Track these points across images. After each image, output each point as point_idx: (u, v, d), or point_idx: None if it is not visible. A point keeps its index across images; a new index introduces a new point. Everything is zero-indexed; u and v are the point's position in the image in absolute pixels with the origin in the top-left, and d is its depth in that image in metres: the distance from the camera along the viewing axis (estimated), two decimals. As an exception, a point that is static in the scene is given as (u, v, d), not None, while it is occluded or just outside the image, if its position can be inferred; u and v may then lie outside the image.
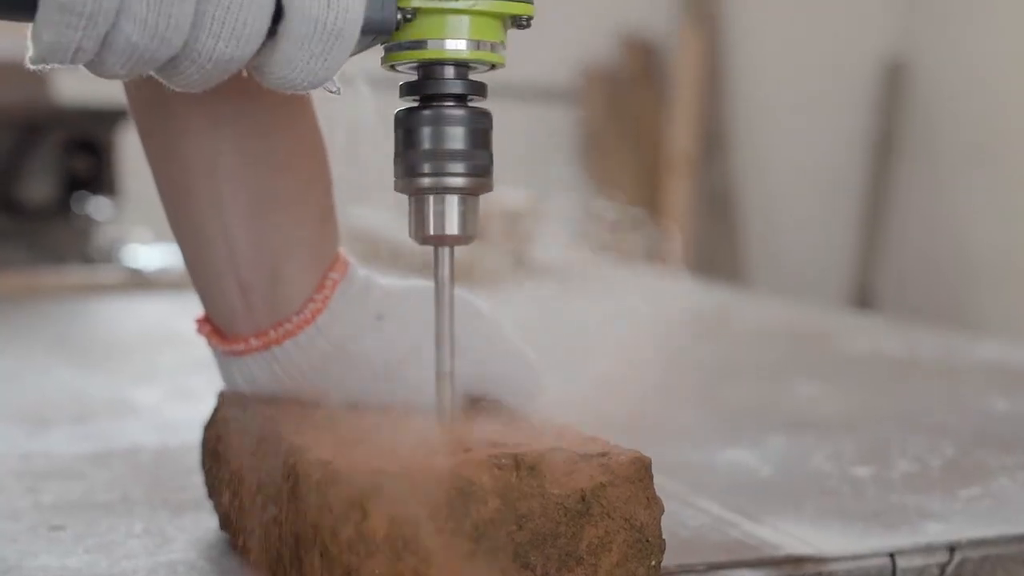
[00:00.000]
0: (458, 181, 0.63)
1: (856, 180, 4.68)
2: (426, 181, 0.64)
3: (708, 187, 4.39)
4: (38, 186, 2.05)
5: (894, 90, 4.60)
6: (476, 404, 0.75)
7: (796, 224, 4.61)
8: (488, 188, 0.65)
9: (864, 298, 4.57)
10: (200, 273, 0.77)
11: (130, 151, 2.03)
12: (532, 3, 0.64)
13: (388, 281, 0.77)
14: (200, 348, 0.80)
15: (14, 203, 2.03)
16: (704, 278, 3.58)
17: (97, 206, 2.11)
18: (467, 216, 0.64)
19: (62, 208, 2.08)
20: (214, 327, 0.77)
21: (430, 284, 0.68)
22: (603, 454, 0.62)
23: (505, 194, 2.26)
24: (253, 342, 0.75)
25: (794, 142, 4.60)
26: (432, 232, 0.64)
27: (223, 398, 0.79)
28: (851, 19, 4.64)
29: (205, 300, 0.78)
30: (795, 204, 4.61)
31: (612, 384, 1.10)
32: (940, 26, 4.51)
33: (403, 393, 0.75)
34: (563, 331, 1.66)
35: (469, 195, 0.64)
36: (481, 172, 0.64)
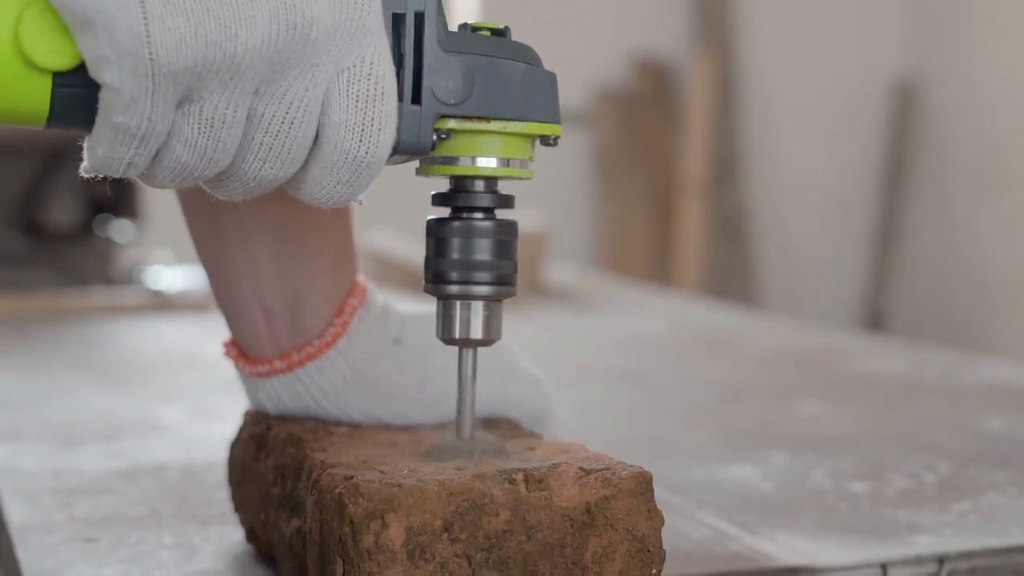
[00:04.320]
0: (483, 290, 0.68)
1: (868, 203, 4.70)
2: (454, 288, 0.68)
3: (721, 210, 4.42)
4: (61, 209, 2.07)
5: (905, 114, 4.63)
6: (491, 424, 0.79)
7: (808, 246, 4.64)
8: (511, 294, 0.69)
9: (876, 320, 4.60)
10: (226, 299, 0.81)
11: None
12: (560, 123, 0.68)
13: (405, 307, 0.81)
14: (221, 369, 0.84)
15: (38, 226, 2.06)
16: (717, 300, 3.62)
17: (119, 229, 2.13)
18: (491, 320, 0.69)
19: (85, 231, 2.10)
20: (240, 350, 0.81)
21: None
22: (607, 469, 0.66)
23: (519, 217, 2.29)
24: (277, 364, 0.79)
25: (806, 165, 4.63)
26: (458, 335, 0.69)
27: (249, 417, 0.83)
28: (862, 43, 4.68)
29: (231, 324, 0.82)
30: (807, 227, 4.64)
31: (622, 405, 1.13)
32: (950, 51, 4.54)
33: (418, 414, 0.79)
34: (575, 354, 1.70)
35: (493, 301, 0.69)
36: (505, 281, 0.68)
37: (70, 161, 2.07)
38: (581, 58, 4.35)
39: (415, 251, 2.22)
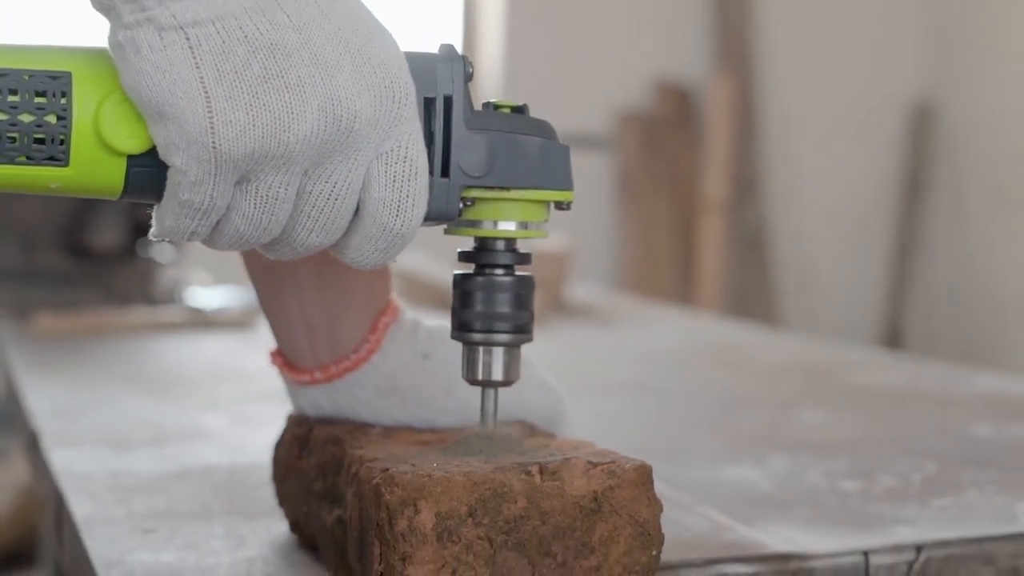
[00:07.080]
0: (503, 337, 0.77)
1: (886, 221, 4.76)
2: (477, 336, 0.77)
3: (741, 228, 4.48)
4: (106, 232, 2.10)
5: (922, 132, 4.69)
6: (510, 427, 0.88)
7: (827, 264, 4.69)
8: (528, 340, 0.78)
9: (895, 336, 4.65)
10: (274, 315, 0.90)
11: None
12: (572, 190, 0.77)
13: (433, 323, 0.90)
14: (259, 381, 0.91)
15: (84, 248, 2.10)
16: (737, 317, 3.68)
17: (161, 251, 2.19)
18: (510, 364, 0.78)
19: (129, 253, 2.14)
20: (284, 359, 0.90)
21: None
22: (612, 462, 0.75)
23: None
24: (317, 375, 0.88)
25: (825, 184, 4.68)
26: (480, 377, 0.78)
27: (292, 419, 0.92)
28: (879, 63, 4.74)
29: (277, 336, 0.90)
30: (826, 245, 4.69)
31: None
32: (966, 69, 4.59)
33: (444, 421, 0.88)
34: (594, 368, 1.78)
35: (512, 347, 0.78)
36: (522, 329, 0.77)
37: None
38: (604, 83, 4.44)
39: (442, 272, 2.29)
